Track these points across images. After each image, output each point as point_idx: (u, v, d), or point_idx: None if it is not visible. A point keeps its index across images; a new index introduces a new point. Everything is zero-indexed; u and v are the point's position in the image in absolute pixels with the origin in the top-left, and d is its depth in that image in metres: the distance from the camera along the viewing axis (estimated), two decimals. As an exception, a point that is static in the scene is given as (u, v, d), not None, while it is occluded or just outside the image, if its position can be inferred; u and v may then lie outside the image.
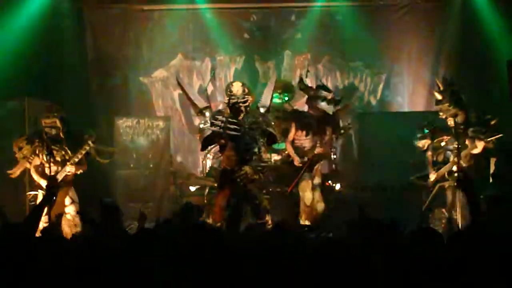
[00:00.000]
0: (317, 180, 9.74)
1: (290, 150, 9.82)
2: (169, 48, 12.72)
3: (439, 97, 9.36)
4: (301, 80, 10.29)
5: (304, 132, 9.78)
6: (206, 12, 12.56)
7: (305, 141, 9.79)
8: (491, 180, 9.71)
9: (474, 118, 9.29)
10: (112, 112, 11.99)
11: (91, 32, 12.47)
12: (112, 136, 11.33)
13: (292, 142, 9.83)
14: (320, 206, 9.68)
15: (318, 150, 9.66)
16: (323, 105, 9.82)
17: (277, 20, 12.78)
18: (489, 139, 9.01)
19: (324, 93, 9.93)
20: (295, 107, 11.31)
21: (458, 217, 8.75)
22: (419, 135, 9.59)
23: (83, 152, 9.04)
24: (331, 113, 9.81)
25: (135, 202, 10.97)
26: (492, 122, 9.18)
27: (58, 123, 9.01)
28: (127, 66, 12.63)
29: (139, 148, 11.60)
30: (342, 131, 10.19)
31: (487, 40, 11.77)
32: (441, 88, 9.44)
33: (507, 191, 9.12)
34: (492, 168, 9.75)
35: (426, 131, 9.59)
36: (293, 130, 9.79)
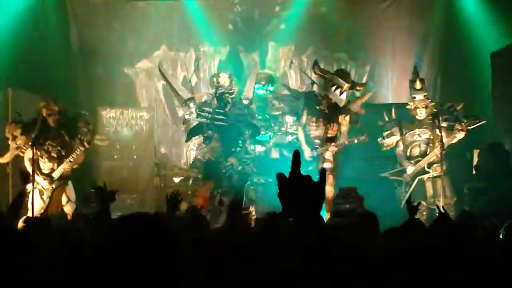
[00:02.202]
0: (328, 165, 9.12)
1: (301, 138, 9.37)
2: (153, 39, 12.72)
3: (419, 85, 9.37)
4: (316, 63, 9.71)
5: (314, 119, 9.33)
6: (191, 3, 12.58)
7: (313, 128, 9.36)
8: (474, 172, 9.80)
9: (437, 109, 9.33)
10: (95, 103, 12.02)
11: (76, 23, 12.48)
12: (96, 127, 11.27)
13: (304, 127, 9.38)
14: (330, 192, 8.87)
15: (332, 149, 9.16)
16: (336, 93, 9.22)
17: (261, 11, 12.80)
18: (472, 127, 9.05)
19: (340, 81, 9.26)
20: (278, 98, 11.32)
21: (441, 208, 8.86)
22: (385, 133, 9.42)
23: (78, 152, 9.05)
24: (341, 105, 9.27)
25: (119, 194, 11.02)
26: (458, 108, 9.20)
27: (61, 113, 9.08)
28: (111, 57, 12.60)
29: (123, 139, 11.67)
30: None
31: (471, 33, 11.76)
32: (421, 77, 9.52)
33: (489, 182, 9.26)
34: (475, 160, 9.84)
35: (392, 128, 9.46)
36: (305, 114, 9.38)
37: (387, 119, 9.47)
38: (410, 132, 9.33)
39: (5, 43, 11.36)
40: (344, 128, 9.29)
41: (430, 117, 9.21)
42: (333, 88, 9.23)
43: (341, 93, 9.21)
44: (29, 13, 11.62)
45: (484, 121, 9.13)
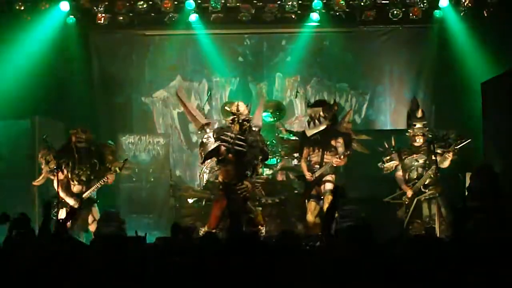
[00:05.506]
0: (328, 187, 9.78)
1: (303, 167, 10.04)
2: (169, 70, 13.41)
3: (420, 114, 10.13)
4: (308, 103, 10.62)
5: (310, 149, 10.03)
6: (203, 37, 13.18)
7: (312, 156, 10.01)
8: (466, 193, 10.48)
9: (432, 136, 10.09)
10: (115, 129, 12.58)
11: (97, 54, 13.14)
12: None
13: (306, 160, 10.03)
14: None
15: (336, 162, 9.75)
16: (318, 124, 9.95)
17: (269, 45, 13.47)
18: (458, 147, 9.77)
19: (315, 109, 10.06)
20: (285, 125, 12.03)
21: (436, 227, 9.49)
22: (385, 158, 10.06)
23: (109, 177, 9.63)
24: (312, 131, 9.97)
25: (137, 213, 11.67)
26: (451, 136, 9.93)
27: (89, 141, 9.73)
28: (130, 87, 13.31)
29: (141, 162, 12.17)
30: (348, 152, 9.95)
31: (463, 64, 12.40)
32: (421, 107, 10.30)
33: (481, 203, 9.94)
34: (468, 182, 10.52)
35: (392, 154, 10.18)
36: (304, 148, 10.09)
37: (387, 146, 10.07)
38: (408, 157, 9.93)
39: (32, 74, 11.93)
40: (340, 150, 9.88)
41: (426, 144, 9.96)
42: (314, 121, 10.01)
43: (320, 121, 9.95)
44: (54, 47, 12.29)
45: (470, 140, 9.73)
